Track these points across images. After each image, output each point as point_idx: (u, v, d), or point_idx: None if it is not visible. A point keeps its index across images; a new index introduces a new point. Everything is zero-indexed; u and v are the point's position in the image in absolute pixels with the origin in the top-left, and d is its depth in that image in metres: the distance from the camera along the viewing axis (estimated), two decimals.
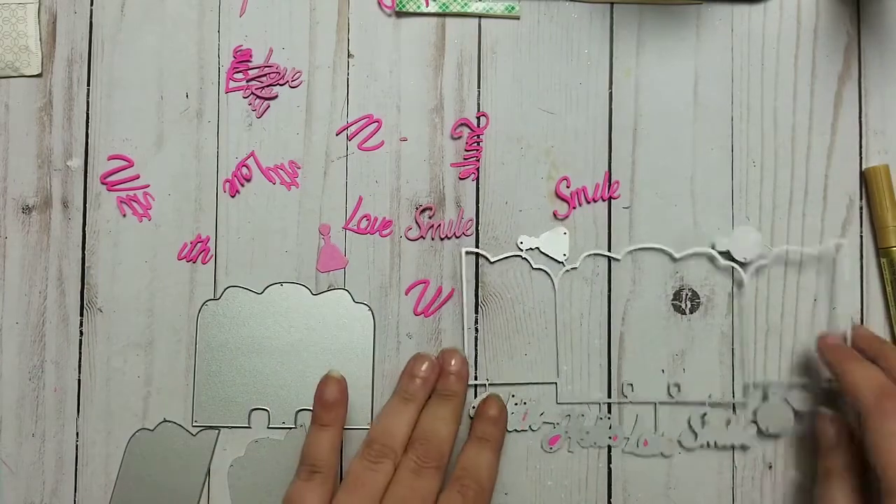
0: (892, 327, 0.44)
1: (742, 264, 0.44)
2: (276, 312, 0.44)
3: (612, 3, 0.45)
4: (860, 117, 0.45)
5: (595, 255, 0.44)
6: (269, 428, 0.44)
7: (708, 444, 0.44)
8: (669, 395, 0.44)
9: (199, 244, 0.45)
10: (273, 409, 0.44)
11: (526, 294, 0.44)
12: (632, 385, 0.44)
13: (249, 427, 0.44)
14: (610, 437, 0.43)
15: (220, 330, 0.44)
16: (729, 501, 0.44)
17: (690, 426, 0.44)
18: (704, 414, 0.43)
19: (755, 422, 0.43)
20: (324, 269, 0.44)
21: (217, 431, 0.44)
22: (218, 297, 0.44)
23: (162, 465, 0.44)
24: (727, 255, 0.44)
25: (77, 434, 0.44)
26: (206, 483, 0.44)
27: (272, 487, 0.44)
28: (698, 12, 0.45)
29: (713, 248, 0.44)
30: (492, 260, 0.42)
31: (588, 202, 0.45)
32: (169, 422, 0.44)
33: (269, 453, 0.44)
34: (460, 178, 0.45)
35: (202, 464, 0.44)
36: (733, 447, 0.44)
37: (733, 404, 0.44)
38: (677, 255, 0.44)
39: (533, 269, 0.44)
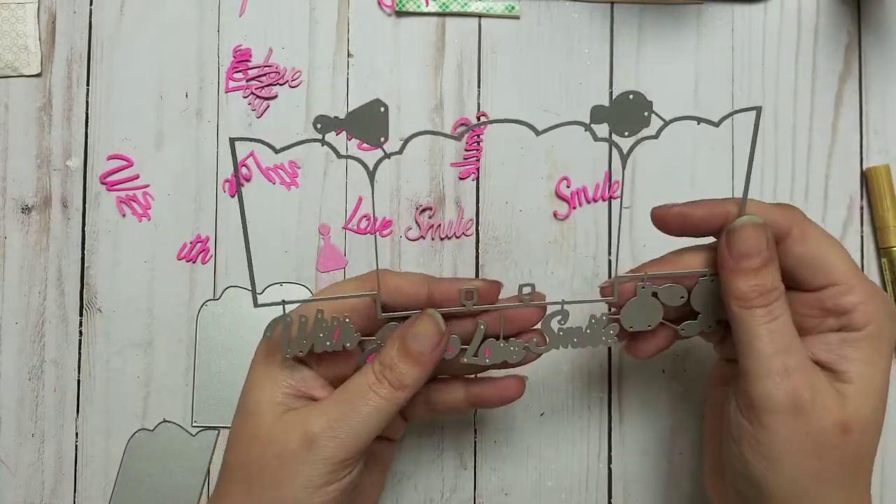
0: None
1: None
2: (276, 312, 0.44)
3: (612, 3, 0.45)
4: (860, 117, 0.45)
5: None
6: None
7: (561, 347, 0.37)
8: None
9: (198, 244, 0.44)
10: None
11: None
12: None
13: None
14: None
15: (220, 330, 0.44)
16: None
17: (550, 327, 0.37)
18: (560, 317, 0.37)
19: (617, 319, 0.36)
20: (324, 269, 0.44)
21: (217, 432, 0.44)
22: (218, 297, 0.44)
23: (161, 465, 0.44)
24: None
25: (76, 434, 0.44)
26: (206, 483, 0.44)
27: None
28: (698, 12, 0.45)
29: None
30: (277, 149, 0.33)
31: (588, 202, 0.45)
32: (168, 422, 0.44)
33: None
34: (460, 178, 0.45)
35: (202, 464, 0.44)
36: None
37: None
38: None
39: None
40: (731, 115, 0.32)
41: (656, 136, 0.33)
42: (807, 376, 0.31)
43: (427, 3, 0.45)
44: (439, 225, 0.45)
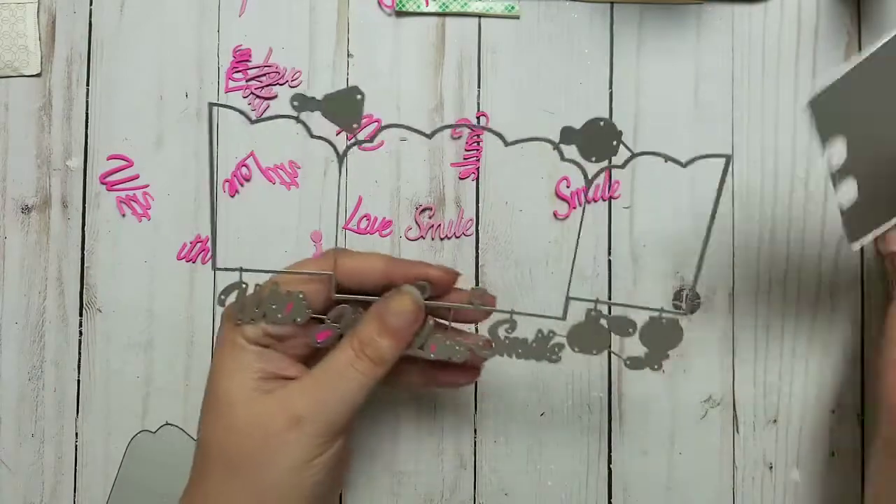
0: None
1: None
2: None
3: (612, 3, 0.45)
4: None
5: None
6: None
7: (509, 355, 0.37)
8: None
9: (198, 244, 0.44)
10: None
11: (525, 294, 0.44)
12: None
13: None
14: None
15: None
16: (729, 501, 0.44)
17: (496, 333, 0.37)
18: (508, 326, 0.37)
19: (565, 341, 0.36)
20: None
21: None
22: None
23: (161, 468, 0.44)
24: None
25: (76, 434, 0.44)
26: None
27: None
28: (698, 12, 0.45)
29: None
30: None
31: (588, 202, 0.45)
32: (171, 425, 0.44)
33: None
34: (460, 178, 0.45)
35: None
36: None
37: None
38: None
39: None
40: (698, 158, 0.32)
41: (622, 167, 0.33)
42: None
43: (427, 3, 0.45)
44: (439, 225, 0.45)
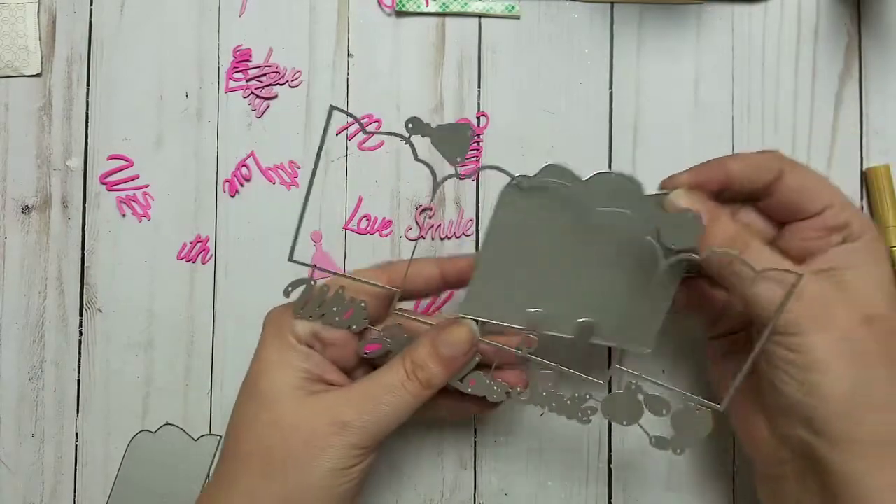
0: None
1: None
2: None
3: (612, 3, 0.45)
4: (860, 117, 0.45)
5: None
6: None
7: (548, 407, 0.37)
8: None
9: (198, 244, 0.44)
10: None
11: None
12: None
13: None
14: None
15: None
16: (729, 501, 0.44)
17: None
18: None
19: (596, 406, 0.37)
20: (315, 276, 0.44)
21: (219, 438, 0.44)
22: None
23: (161, 468, 0.44)
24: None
25: (76, 434, 0.44)
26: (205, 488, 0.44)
27: None
28: (698, 12, 0.45)
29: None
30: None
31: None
32: (171, 425, 0.44)
33: None
34: (460, 178, 0.45)
35: (202, 469, 0.44)
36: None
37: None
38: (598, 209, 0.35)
39: None
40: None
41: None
42: (815, 290, 0.33)
43: (427, 3, 0.45)
44: (439, 225, 0.45)
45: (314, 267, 0.36)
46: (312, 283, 0.36)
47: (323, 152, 0.45)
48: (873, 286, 0.34)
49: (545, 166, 0.34)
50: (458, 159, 0.33)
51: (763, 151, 0.37)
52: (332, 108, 0.33)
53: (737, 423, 0.38)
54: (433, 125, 0.32)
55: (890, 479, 0.32)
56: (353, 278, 0.37)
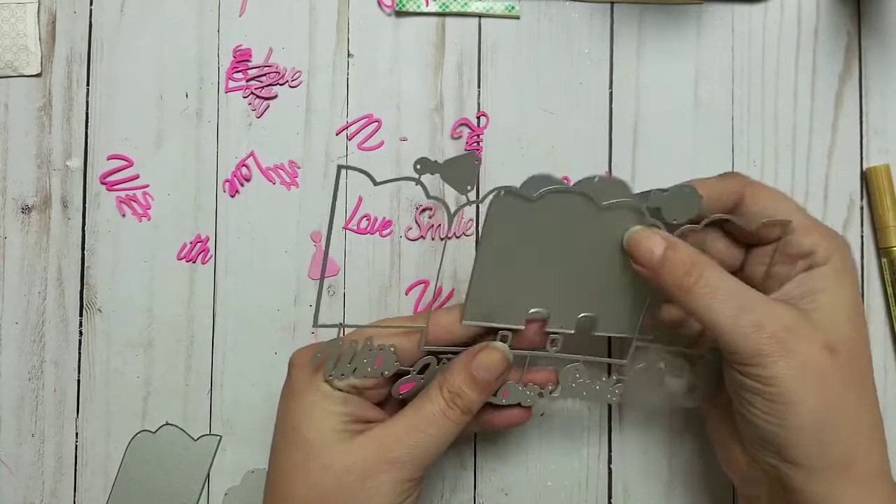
0: (893, 327, 0.44)
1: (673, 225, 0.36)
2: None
3: (612, 3, 0.45)
4: (860, 117, 0.45)
5: None
6: None
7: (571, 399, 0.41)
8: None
9: (198, 244, 0.44)
10: None
11: None
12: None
13: None
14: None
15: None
16: (729, 501, 0.44)
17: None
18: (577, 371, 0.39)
19: (621, 381, 0.39)
20: (315, 276, 0.44)
21: (219, 438, 0.44)
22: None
23: (161, 468, 0.44)
24: (657, 212, 0.35)
25: (76, 434, 0.44)
26: (206, 488, 0.44)
27: None
28: (698, 12, 0.45)
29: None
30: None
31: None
32: (171, 425, 0.44)
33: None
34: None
35: (202, 469, 0.44)
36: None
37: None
38: (604, 203, 0.35)
39: None
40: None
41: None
42: (777, 320, 0.33)
43: (427, 3, 0.45)
44: (439, 225, 0.45)
45: (341, 325, 0.36)
46: (340, 342, 0.36)
47: (324, 155, 0.45)
48: (838, 312, 0.34)
49: (528, 178, 0.34)
50: (469, 188, 0.34)
51: (725, 175, 0.37)
52: (340, 167, 0.33)
53: (716, 446, 0.39)
54: (439, 161, 0.33)
55: (854, 501, 0.33)
56: (379, 326, 0.37)
